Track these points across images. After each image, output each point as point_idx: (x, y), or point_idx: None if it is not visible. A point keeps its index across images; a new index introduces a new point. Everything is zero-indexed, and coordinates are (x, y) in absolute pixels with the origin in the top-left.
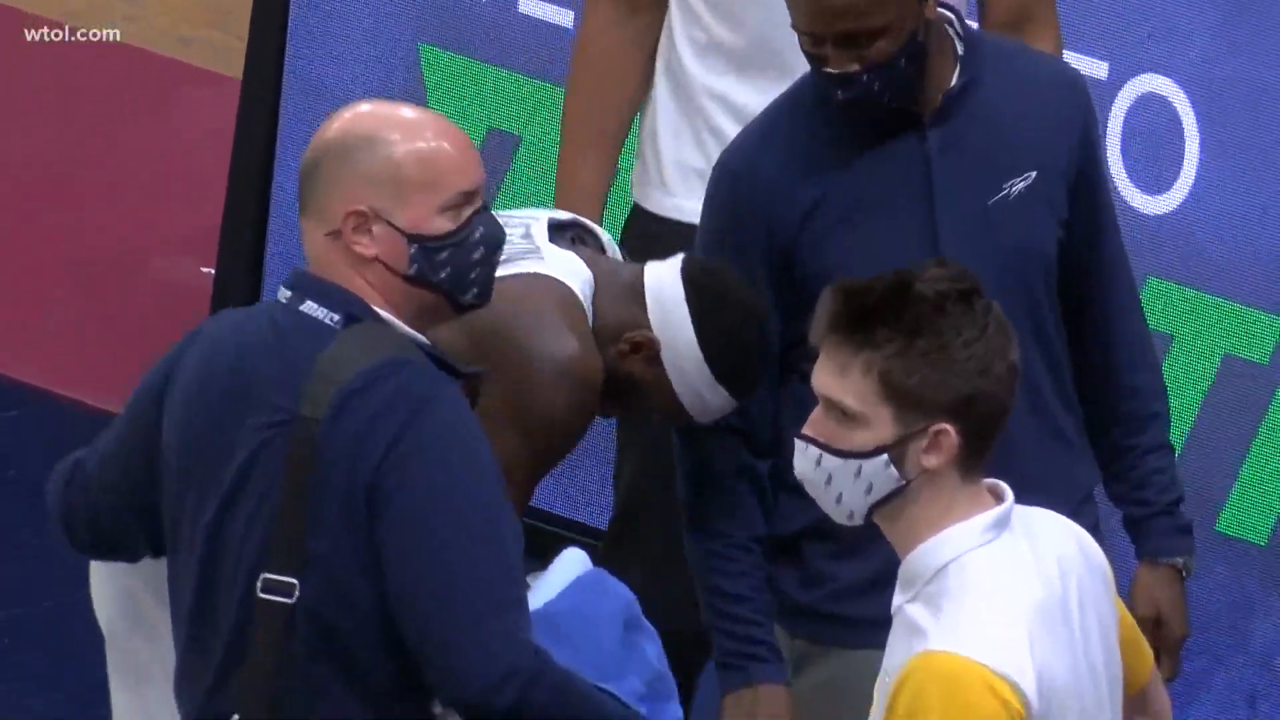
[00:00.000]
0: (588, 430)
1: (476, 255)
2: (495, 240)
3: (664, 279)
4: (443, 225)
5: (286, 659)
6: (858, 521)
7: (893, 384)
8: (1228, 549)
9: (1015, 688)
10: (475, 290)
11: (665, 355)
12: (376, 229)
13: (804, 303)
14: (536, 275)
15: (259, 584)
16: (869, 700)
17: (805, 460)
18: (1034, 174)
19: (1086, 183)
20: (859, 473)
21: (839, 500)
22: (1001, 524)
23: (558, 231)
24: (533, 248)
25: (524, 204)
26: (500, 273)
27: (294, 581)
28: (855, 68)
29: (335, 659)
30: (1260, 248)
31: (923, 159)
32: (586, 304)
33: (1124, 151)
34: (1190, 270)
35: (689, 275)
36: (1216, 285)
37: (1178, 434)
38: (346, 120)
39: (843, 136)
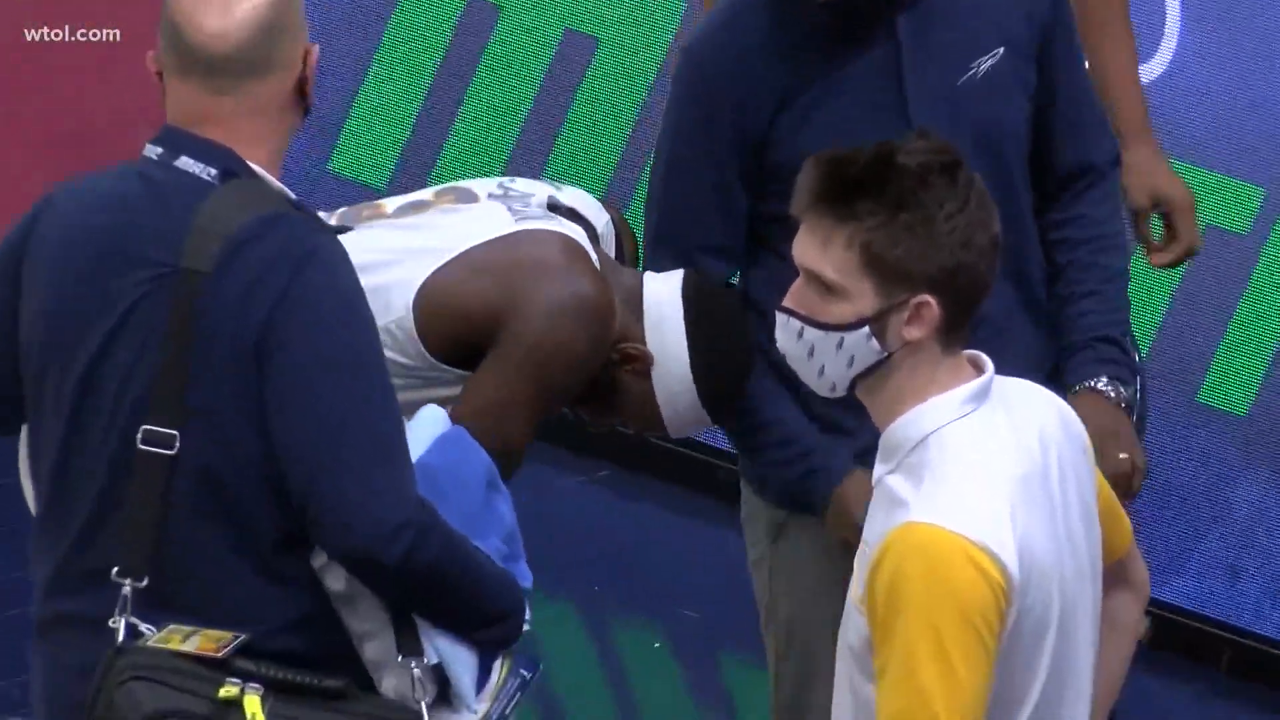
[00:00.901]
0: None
1: None
2: None
3: (662, 295)
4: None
5: (166, 511)
6: (840, 393)
7: (875, 256)
8: (1209, 420)
9: (995, 559)
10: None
11: (655, 372)
12: (307, 71)
13: (775, 186)
14: (550, 230)
15: (139, 435)
16: (845, 570)
17: (787, 333)
18: (1001, 50)
19: (1052, 53)
20: (840, 345)
21: (821, 373)
22: (981, 395)
23: (554, 210)
24: (545, 213)
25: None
26: (516, 227)
27: (174, 433)
28: None
29: (216, 512)
30: (1240, 118)
31: (892, 44)
32: (595, 261)
33: None
34: (1171, 142)
35: (688, 295)
36: (1197, 156)
37: (1158, 306)
38: None
39: (813, 23)
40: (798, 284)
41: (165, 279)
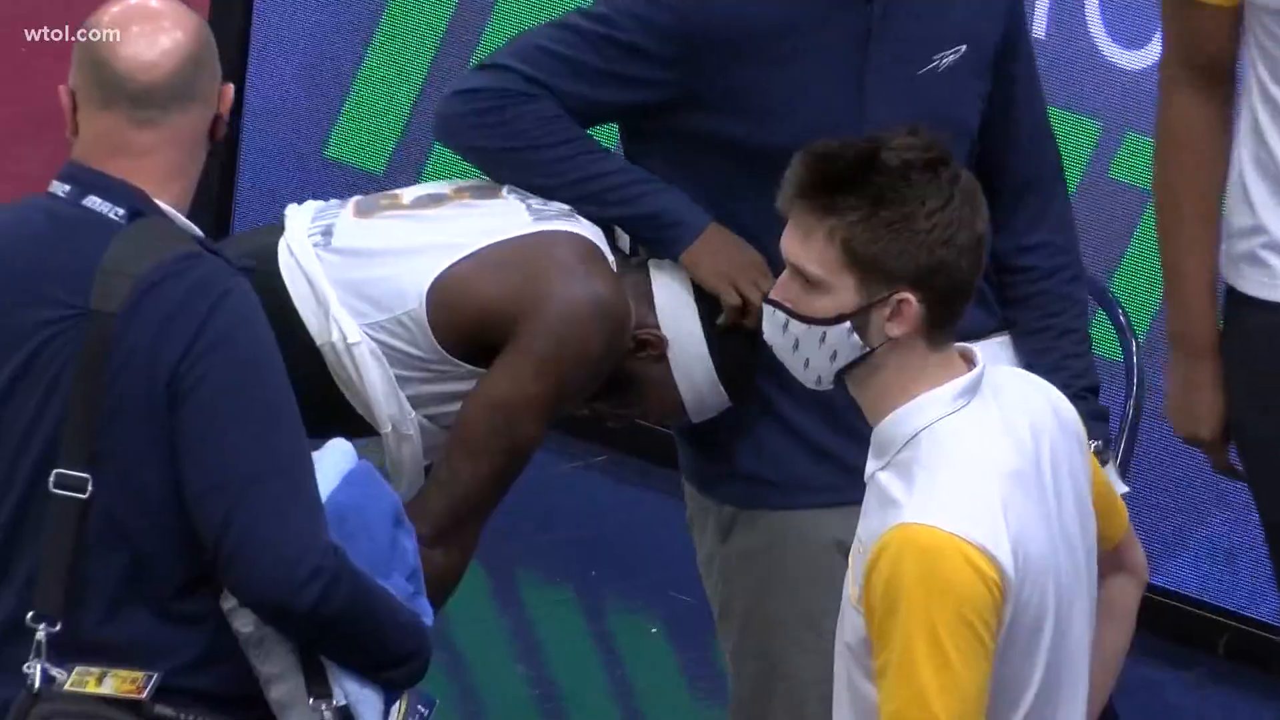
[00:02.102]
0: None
1: None
2: None
3: (671, 278)
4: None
5: (78, 554)
6: (825, 386)
7: (855, 252)
8: None
9: (990, 557)
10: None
11: (673, 357)
12: (222, 109)
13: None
14: (568, 231)
15: (51, 479)
16: (800, 562)
17: (773, 325)
18: (964, 47)
19: (1005, 53)
20: (824, 339)
21: (806, 365)
22: (972, 390)
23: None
24: (563, 211)
25: None
26: (535, 227)
27: (86, 476)
28: None
29: (123, 553)
30: None
31: (865, 25)
32: (611, 264)
33: (1102, 6)
34: None
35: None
36: None
37: (1158, 292)
38: (179, 13)
39: None
40: (784, 277)
41: (74, 320)
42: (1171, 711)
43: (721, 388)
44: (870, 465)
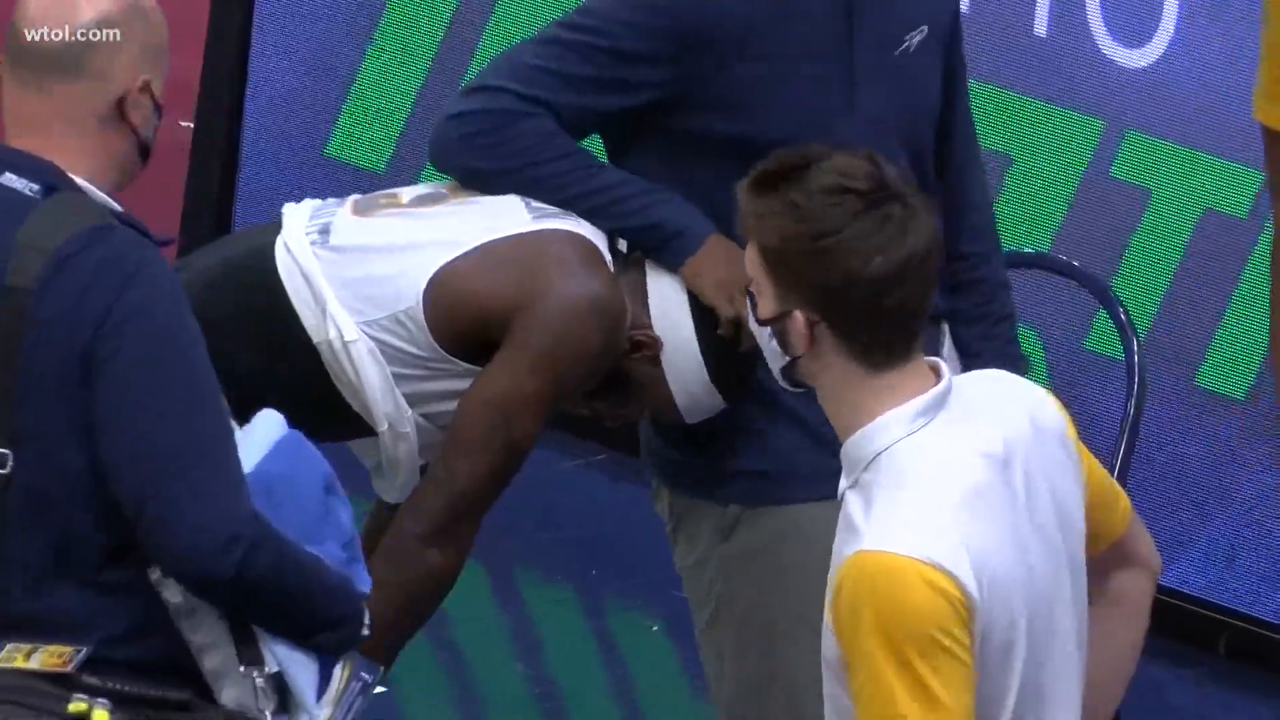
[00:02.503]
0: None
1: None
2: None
3: (666, 280)
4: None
5: (2, 531)
6: (785, 385)
7: (769, 260)
8: (1207, 403)
9: (950, 576)
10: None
11: (666, 358)
12: (143, 99)
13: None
14: (566, 230)
15: None
16: (805, 559)
17: (749, 312)
18: (926, 28)
19: (952, 36)
20: (766, 338)
21: (769, 357)
22: (935, 407)
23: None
24: (562, 209)
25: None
26: (534, 226)
27: (7, 453)
28: None
29: (46, 528)
30: (1239, 100)
31: (845, 8)
32: (609, 263)
33: (1103, 4)
34: (1169, 124)
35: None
36: (1195, 139)
37: (1157, 289)
38: None
39: None
40: None
41: None
42: (1171, 711)
43: (716, 390)
44: (842, 482)
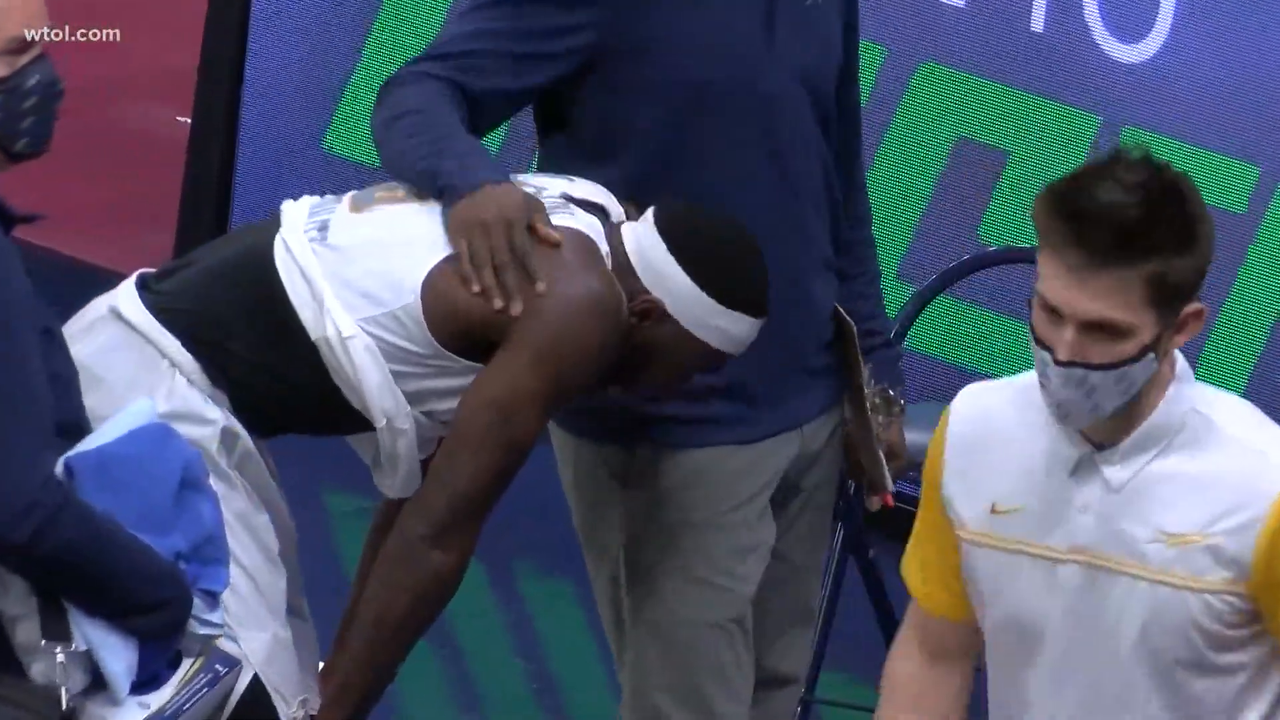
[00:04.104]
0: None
1: (29, 104)
2: (51, 89)
3: (642, 240)
4: None
5: None
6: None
7: (1165, 285)
8: None
9: None
10: (26, 139)
11: (673, 309)
12: None
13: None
14: (563, 226)
15: None
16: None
17: (1069, 382)
18: None
19: (849, 43)
20: (1122, 377)
21: (1093, 407)
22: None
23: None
24: (559, 204)
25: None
26: None
27: None
28: None
29: None
30: (1235, 96)
31: None
32: (608, 261)
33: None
34: (1166, 119)
35: (661, 226)
36: (1193, 134)
37: None
38: None
39: None
40: (1073, 337)
41: None
42: None
43: (741, 314)
44: (1133, 464)
